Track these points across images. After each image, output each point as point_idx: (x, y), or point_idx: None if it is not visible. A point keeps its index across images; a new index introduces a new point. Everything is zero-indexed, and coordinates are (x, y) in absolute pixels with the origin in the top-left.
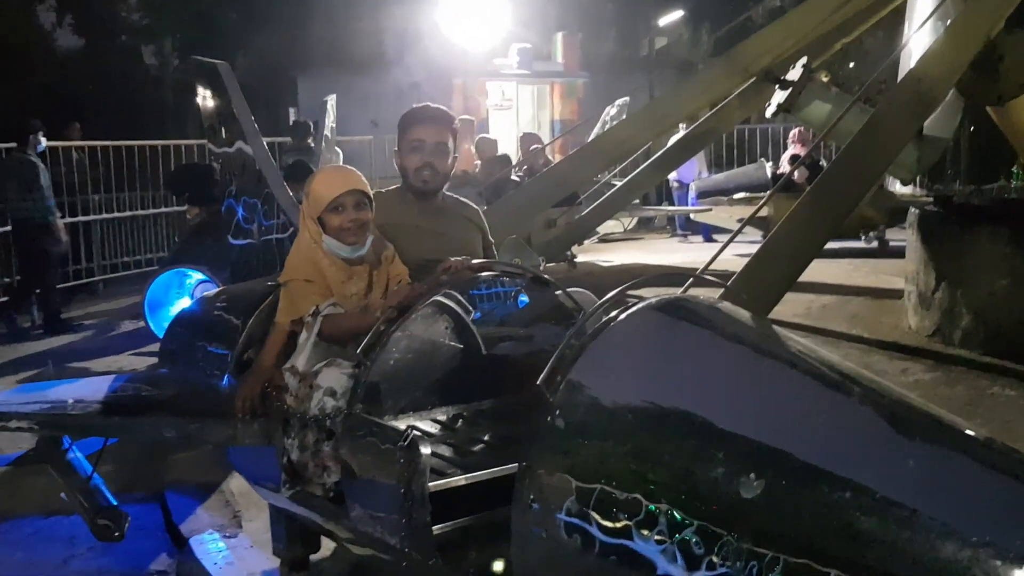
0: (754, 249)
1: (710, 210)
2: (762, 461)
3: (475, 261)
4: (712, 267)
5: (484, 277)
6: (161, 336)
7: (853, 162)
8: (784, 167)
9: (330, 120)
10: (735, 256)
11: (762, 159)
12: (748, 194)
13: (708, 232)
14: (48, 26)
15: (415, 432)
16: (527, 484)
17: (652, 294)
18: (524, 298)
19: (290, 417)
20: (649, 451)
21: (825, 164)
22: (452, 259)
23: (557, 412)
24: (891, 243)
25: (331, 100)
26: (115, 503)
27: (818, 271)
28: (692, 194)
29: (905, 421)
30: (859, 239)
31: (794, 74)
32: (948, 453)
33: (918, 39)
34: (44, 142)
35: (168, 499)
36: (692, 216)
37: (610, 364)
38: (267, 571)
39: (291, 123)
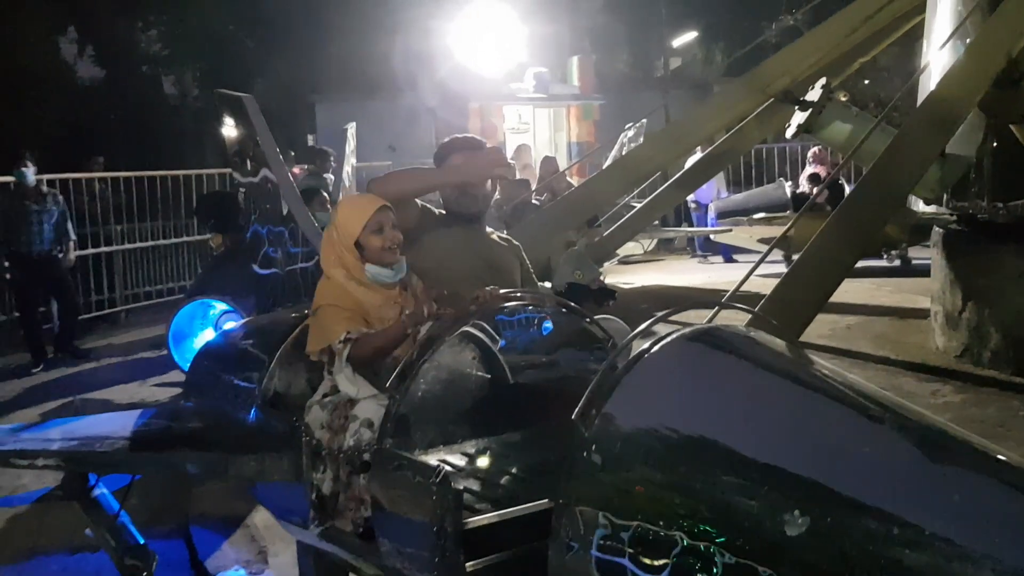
0: (776, 270)
1: (730, 230)
2: (806, 496)
3: (504, 291)
4: (729, 288)
5: (512, 306)
6: (185, 368)
7: (878, 182)
8: (803, 186)
9: (350, 148)
10: (757, 277)
11: (780, 179)
12: (767, 214)
13: (728, 252)
14: (70, 58)
15: (447, 468)
16: (563, 521)
17: (678, 320)
18: (549, 324)
19: (321, 450)
20: (688, 486)
21: (845, 183)
22: (483, 289)
23: (593, 447)
24: (913, 261)
25: (351, 128)
26: (143, 541)
27: (841, 290)
28: (712, 215)
29: (948, 453)
30: (881, 257)
31: (814, 94)
32: (993, 485)
33: (937, 57)
34: (31, 173)
35: (193, 534)
36: (712, 237)
37: (645, 397)
38: None
39: (310, 147)
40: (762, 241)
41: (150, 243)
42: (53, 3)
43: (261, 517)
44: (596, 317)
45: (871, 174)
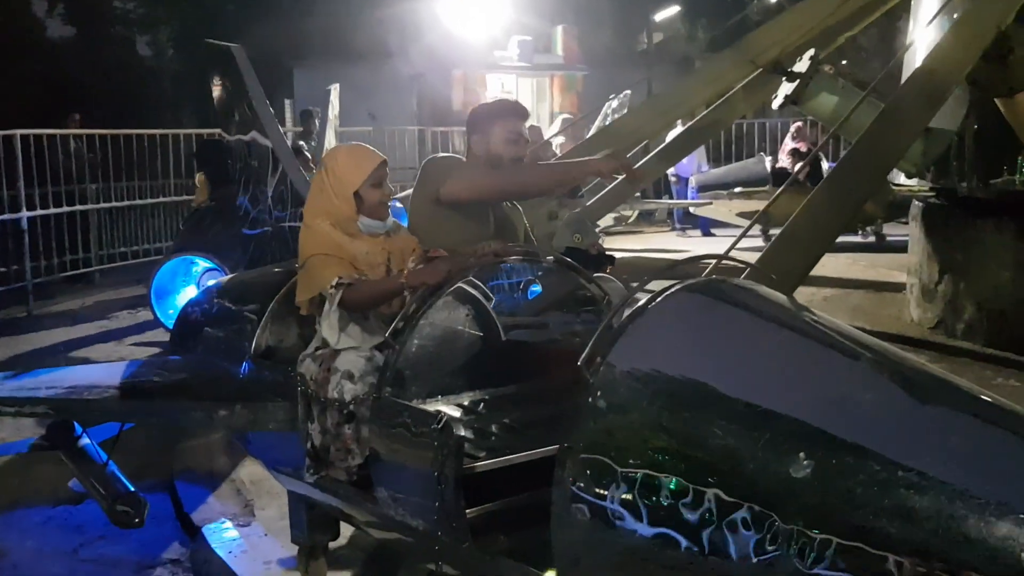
0: (754, 242)
1: (710, 204)
2: (810, 440)
3: (506, 245)
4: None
5: (510, 263)
6: (167, 324)
7: (867, 153)
8: (782, 161)
9: (334, 110)
10: (736, 250)
11: (760, 153)
12: (747, 188)
13: (706, 226)
14: (40, 15)
15: (448, 415)
16: (568, 466)
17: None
18: (536, 288)
19: (312, 402)
20: (693, 432)
21: (824, 158)
22: (486, 244)
23: (598, 393)
24: (888, 237)
25: (334, 89)
26: (133, 489)
27: (818, 264)
28: (692, 188)
29: (947, 398)
30: (856, 233)
31: (801, 66)
32: (990, 428)
33: (923, 33)
34: None
35: (178, 488)
36: (691, 210)
37: (650, 345)
38: (283, 559)
39: (300, 112)
40: (741, 215)
41: (126, 203)
42: None
43: (247, 471)
44: (594, 276)
45: (859, 145)
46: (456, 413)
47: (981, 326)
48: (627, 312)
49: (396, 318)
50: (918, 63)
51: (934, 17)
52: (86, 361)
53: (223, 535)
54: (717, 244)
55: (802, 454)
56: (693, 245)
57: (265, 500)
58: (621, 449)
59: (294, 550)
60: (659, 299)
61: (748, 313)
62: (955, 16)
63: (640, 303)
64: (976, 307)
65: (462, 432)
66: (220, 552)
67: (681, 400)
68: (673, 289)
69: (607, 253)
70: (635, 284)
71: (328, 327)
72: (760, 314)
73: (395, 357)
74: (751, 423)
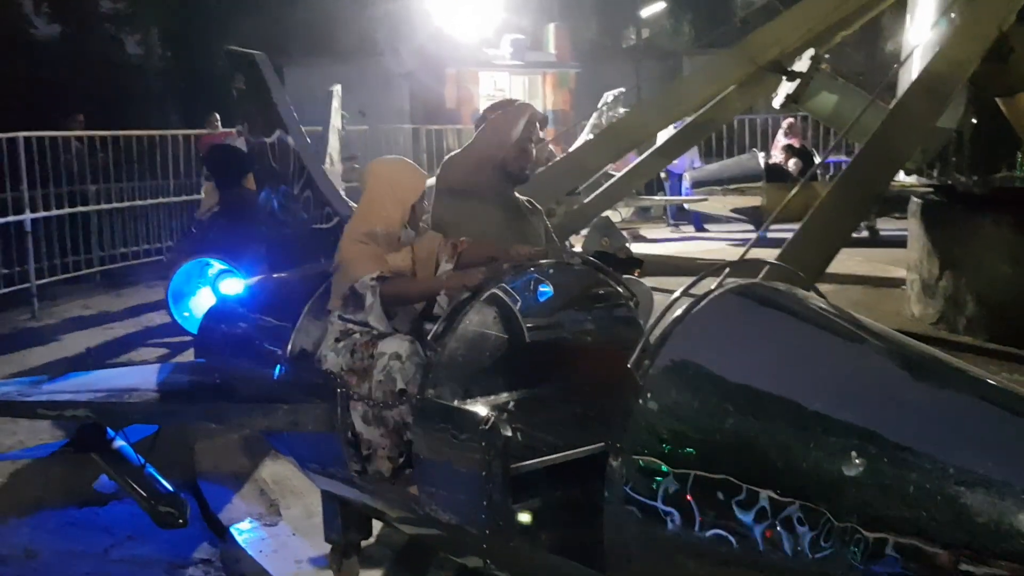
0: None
1: (705, 199)
2: (862, 439)
3: (538, 249)
4: (710, 258)
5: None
6: (184, 325)
7: (877, 153)
8: (775, 157)
9: (337, 112)
10: (731, 246)
11: (754, 149)
12: (741, 184)
13: (699, 222)
14: (26, 12)
15: (494, 416)
16: (620, 467)
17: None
18: (546, 289)
19: (351, 395)
20: (744, 433)
21: (816, 153)
22: (517, 248)
23: (648, 395)
24: (881, 232)
25: (336, 91)
26: (173, 490)
27: None
28: (686, 184)
29: (993, 396)
30: None
31: (802, 65)
32: None
33: (919, 32)
34: None
35: (202, 488)
36: (686, 206)
37: (697, 347)
38: (314, 558)
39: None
40: (736, 210)
41: (127, 203)
42: None
43: (269, 471)
44: (622, 278)
45: (871, 144)
46: (498, 413)
47: (983, 321)
48: (673, 315)
49: (423, 315)
50: (916, 64)
51: (936, 20)
52: (95, 363)
53: (252, 535)
54: (711, 240)
55: (854, 452)
56: (688, 241)
57: (290, 499)
58: (672, 450)
59: (324, 549)
60: (703, 302)
61: (790, 315)
62: (953, 16)
63: (684, 307)
64: (977, 302)
65: (508, 432)
66: (251, 552)
67: (730, 401)
68: (717, 292)
69: (634, 256)
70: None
71: (376, 318)
72: (801, 316)
73: (438, 358)
74: (800, 422)
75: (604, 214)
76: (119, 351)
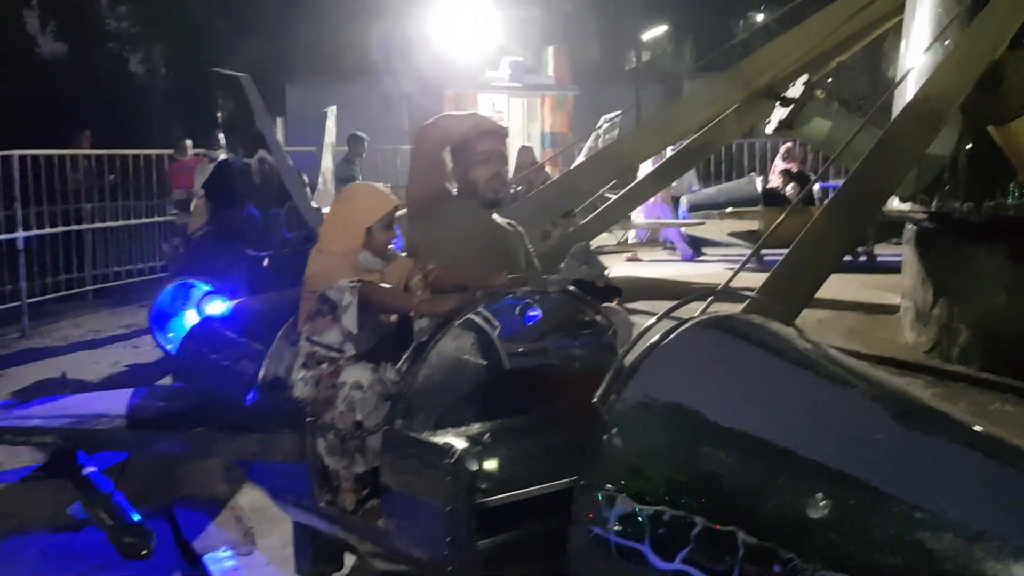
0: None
1: (702, 223)
2: (828, 480)
3: (513, 277)
4: (703, 280)
5: (518, 295)
6: (166, 348)
7: (867, 179)
8: (773, 181)
9: (331, 134)
10: (728, 270)
11: (752, 174)
12: (738, 208)
13: (696, 245)
14: (32, 31)
15: (461, 448)
16: (585, 503)
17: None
18: (534, 313)
19: (317, 425)
20: (710, 469)
21: (812, 177)
22: (494, 276)
23: (614, 430)
24: (879, 257)
25: (331, 112)
26: (139, 519)
27: None
28: (683, 207)
29: (963, 439)
30: (847, 254)
31: (795, 91)
32: (1008, 469)
33: (917, 59)
34: None
35: (177, 515)
36: (683, 230)
37: (664, 382)
38: None
39: (349, 136)
40: (733, 234)
41: (121, 222)
42: None
43: (247, 498)
44: (601, 306)
45: (859, 171)
46: (465, 445)
47: (976, 350)
48: (640, 348)
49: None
50: (911, 89)
51: (930, 45)
52: (82, 383)
53: (225, 564)
54: (708, 263)
55: (820, 494)
56: (682, 264)
57: (266, 528)
58: (638, 486)
59: None
60: (672, 336)
61: (761, 349)
62: (947, 43)
63: (653, 340)
64: (971, 331)
65: (474, 465)
66: None
67: (697, 437)
68: (686, 326)
69: (613, 285)
70: (644, 317)
71: (349, 320)
72: (773, 350)
73: (407, 388)
74: (767, 461)
75: (598, 242)
76: (108, 371)
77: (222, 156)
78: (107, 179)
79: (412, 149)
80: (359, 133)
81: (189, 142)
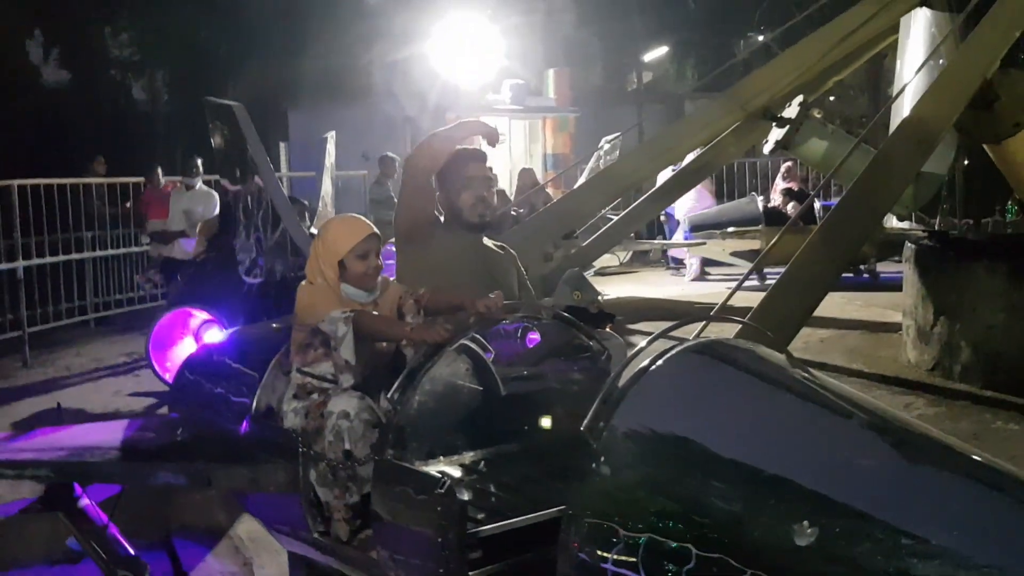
0: (751, 283)
1: (704, 243)
2: (815, 507)
3: (507, 303)
4: (705, 300)
5: (511, 321)
6: (166, 378)
7: (861, 199)
8: (774, 200)
9: (330, 158)
10: (728, 289)
11: (752, 193)
12: (740, 228)
13: (697, 270)
14: (36, 60)
15: (450, 479)
16: (572, 531)
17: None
18: (533, 336)
19: (308, 456)
20: (697, 497)
21: (818, 200)
22: (485, 300)
23: (602, 458)
24: (881, 275)
25: (331, 137)
26: (134, 553)
27: None
28: (685, 227)
29: (951, 464)
30: (849, 272)
31: (791, 112)
32: (995, 495)
33: (910, 76)
34: None
35: (176, 546)
36: (686, 250)
37: (652, 408)
38: None
39: (379, 157)
40: (735, 254)
41: (122, 250)
42: (19, 5)
43: (245, 528)
44: (595, 332)
45: (853, 191)
46: (458, 473)
47: (978, 368)
48: (628, 375)
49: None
50: (907, 108)
51: (923, 64)
52: (82, 412)
53: None
54: (710, 283)
55: (806, 521)
56: (687, 284)
57: (264, 558)
58: (626, 514)
59: None
60: (659, 362)
61: (749, 375)
62: (941, 62)
63: (640, 366)
64: (972, 349)
65: (465, 495)
66: None
67: (684, 464)
68: (673, 352)
69: (606, 311)
70: (634, 343)
71: (347, 350)
72: (761, 376)
73: (396, 417)
74: (754, 488)
75: (600, 263)
76: (109, 400)
77: (199, 183)
78: (121, 206)
79: (401, 177)
80: (390, 154)
81: (160, 169)
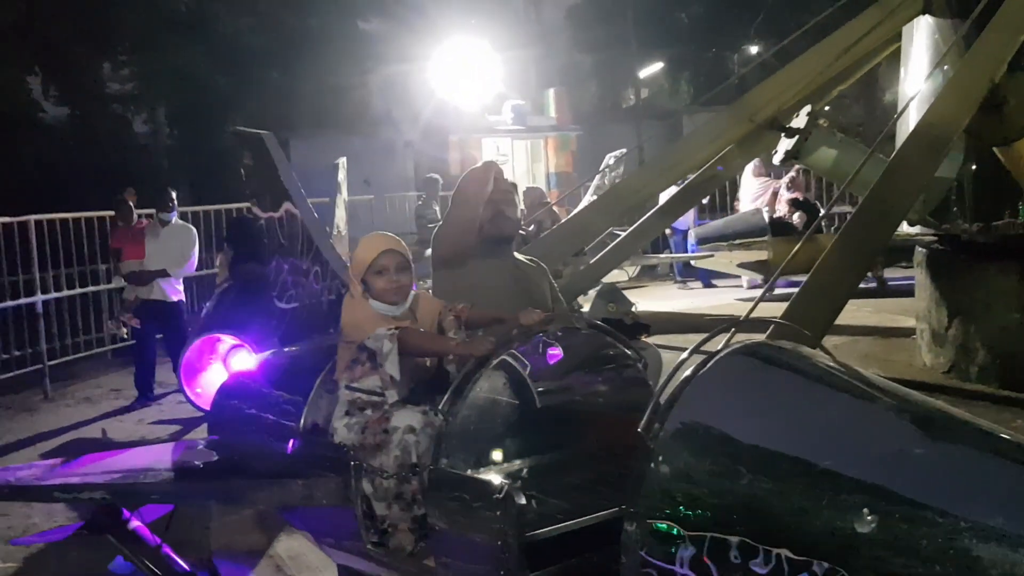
0: (759, 294)
1: (711, 256)
2: (874, 496)
3: (546, 315)
4: (718, 313)
5: (550, 333)
6: (196, 403)
7: (877, 207)
8: (779, 211)
9: (343, 185)
10: (738, 301)
11: (757, 204)
12: (746, 239)
13: (707, 278)
14: (36, 96)
15: (508, 484)
16: (635, 532)
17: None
18: (556, 350)
19: (365, 470)
20: (757, 493)
21: (820, 206)
22: (528, 312)
23: (660, 458)
24: (889, 282)
25: (342, 163)
26: (190, 570)
27: None
28: (691, 241)
29: (1004, 452)
30: None
31: (799, 122)
32: None
33: (914, 84)
34: None
35: (218, 566)
36: (693, 263)
37: (707, 409)
38: None
39: (423, 179)
40: (742, 266)
41: None
42: (17, 42)
43: (284, 546)
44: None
45: (870, 198)
46: (510, 480)
47: (994, 369)
48: (679, 378)
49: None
50: (913, 116)
51: (930, 74)
52: (110, 442)
53: None
54: (719, 295)
55: (866, 510)
56: (694, 297)
57: (306, 575)
58: (687, 512)
59: None
60: (709, 364)
61: (797, 374)
62: (946, 69)
63: (692, 368)
64: (987, 350)
65: (522, 499)
66: None
67: (741, 461)
68: (721, 354)
69: (641, 322)
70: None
71: (391, 366)
72: (808, 374)
73: (448, 427)
74: (812, 481)
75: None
76: (134, 429)
77: (174, 217)
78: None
79: (453, 198)
80: (433, 175)
81: (131, 203)
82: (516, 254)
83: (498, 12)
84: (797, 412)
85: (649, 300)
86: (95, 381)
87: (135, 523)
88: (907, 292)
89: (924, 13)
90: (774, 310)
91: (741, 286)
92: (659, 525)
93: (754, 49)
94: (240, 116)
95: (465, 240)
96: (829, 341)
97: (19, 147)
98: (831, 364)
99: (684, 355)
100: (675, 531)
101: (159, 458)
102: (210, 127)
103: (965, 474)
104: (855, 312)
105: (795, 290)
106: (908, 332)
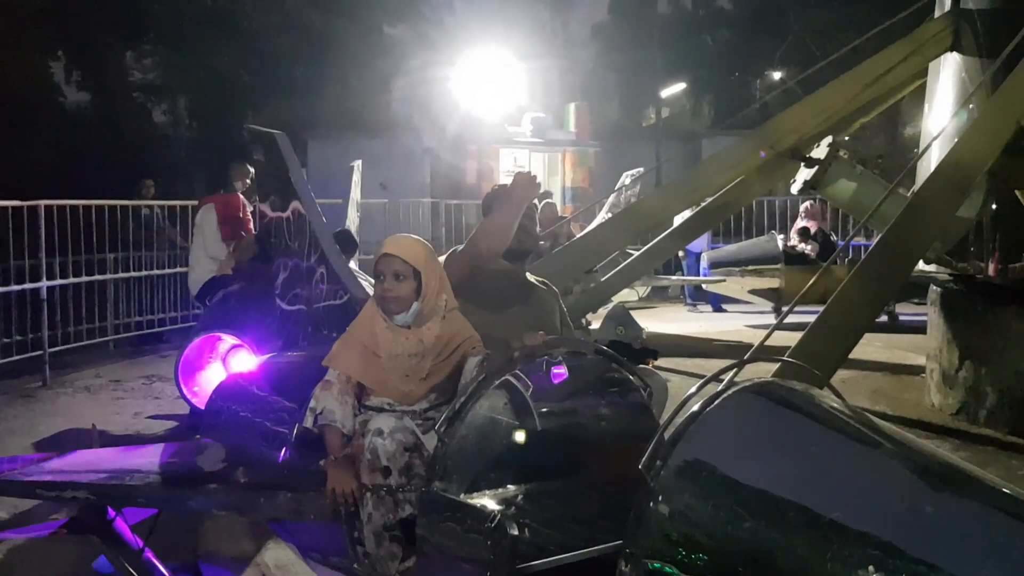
0: (769, 321)
1: (723, 280)
2: (879, 550)
3: (550, 338)
4: (727, 339)
5: (554, 356)
6: (192, 402)
7: (896, 244)
8: (793, 239)
9: (356, 187)
10: (748, 328)
11: (772, 231)
12: (759, 266)
13: (717, 302)
14: (57, 81)
15: (501, 512)
16: (630, 570)
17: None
18: (560, 371)
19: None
20: (758, 539)
21: (835, 237)
22: (530, 335)
23: (660, 498)
24: (900, 317)
25: (357, 166)
26: None
27: None
28: (704, 264)
29: (1012, 508)
30: None
31: (820, 152)
32: None
33: (938, 120)
34: None
35: (204, 571)
36: (704, 286)
37: (710, 448)
38: None
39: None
40: (754, 292)
41: (144, 272)
42: (44, 27)
43: (272, 555)
44: (637, 368)
45: (889, 235)
46: (503, 508)
47: (1004, 413)
48: (684, 414)
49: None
50: (935, 152)
51: (956, 112)
52: (104, 434)
53: None
54: (729, 320)
55: (871, 566)
56: (704, 320)
57: None
58: (684, 555)
59: None
60: (716, 402)
61: (806, 416)
62: (971, 107)
63: (696, 406)
64: (998, 394)
65: (515, 529)
66: None
67: (744, 506)
68: (729, 392)
69: (649, 347)
70: (671, 375)
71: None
72: (817, 417)
73: (445, 450)
74: (815, 530)
75: (619, 298)
76: (129, 422)
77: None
78: (167, 230)
79: (496, 199)
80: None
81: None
82: (528, 274)
83: (524, 23)
84: (805, 458)
85: (658, 321)
86: (95, 370)
87: (119, 524)
88: (918, 328)
89: (952, 50)
90: (785, 339)
91: (751, 311)
92: (655, 566)
93: (777, 75)
94: (261, 113)
95: (504, 242)
96: (838, 375)
97: (38, 131)
98: (842, 409)
99: (692, 389)
100: (671, 573)
101: (148, 459)
102: (230, 122)
103: (974, 534)
104: (866, 346)
105: (805, 318)
106: (918, 370)
